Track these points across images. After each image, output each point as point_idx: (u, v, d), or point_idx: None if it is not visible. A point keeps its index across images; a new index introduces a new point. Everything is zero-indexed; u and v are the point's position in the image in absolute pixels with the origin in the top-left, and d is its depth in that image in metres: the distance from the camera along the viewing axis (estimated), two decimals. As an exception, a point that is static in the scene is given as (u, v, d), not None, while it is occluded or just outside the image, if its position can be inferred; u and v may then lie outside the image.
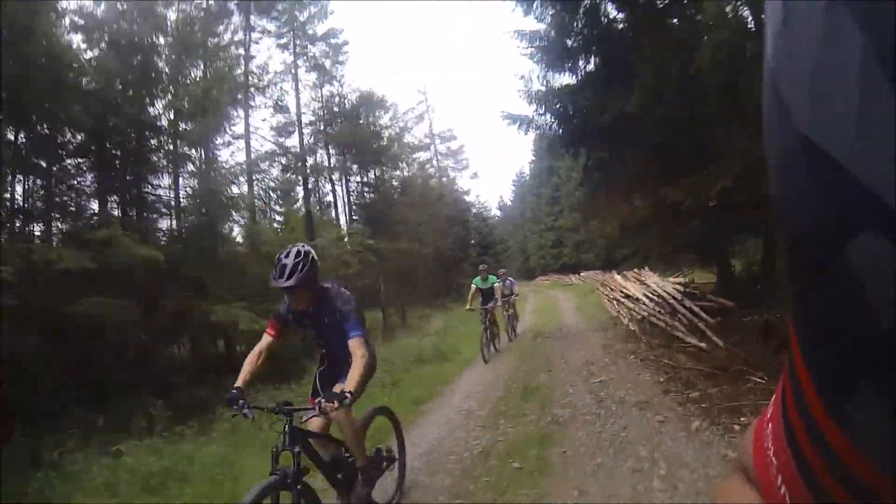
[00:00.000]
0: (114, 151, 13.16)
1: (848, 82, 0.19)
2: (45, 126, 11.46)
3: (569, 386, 6.60)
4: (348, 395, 2.63)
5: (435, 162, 37.78)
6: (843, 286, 0.21)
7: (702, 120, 7.69)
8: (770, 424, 0.32)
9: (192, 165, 15.21)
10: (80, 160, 12.64)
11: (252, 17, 22.49)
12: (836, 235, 0.20)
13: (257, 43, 22.94)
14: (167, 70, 13.77)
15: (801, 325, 0.26)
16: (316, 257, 3.09)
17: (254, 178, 18.80)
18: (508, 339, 11.58)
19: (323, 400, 2.65)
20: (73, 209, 12.59)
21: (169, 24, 14.21)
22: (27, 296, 8.13)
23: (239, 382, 2.91)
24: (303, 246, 3.09)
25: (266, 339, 3.15)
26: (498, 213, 64.06)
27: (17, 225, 11.44)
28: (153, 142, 14.02)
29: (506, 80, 41.65)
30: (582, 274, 32.39)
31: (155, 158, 14.08)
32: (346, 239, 19.19)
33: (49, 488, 5.72)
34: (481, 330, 9.65)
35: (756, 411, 4.39)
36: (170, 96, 13.62)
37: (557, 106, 9.95)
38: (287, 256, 2.97)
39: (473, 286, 10.74)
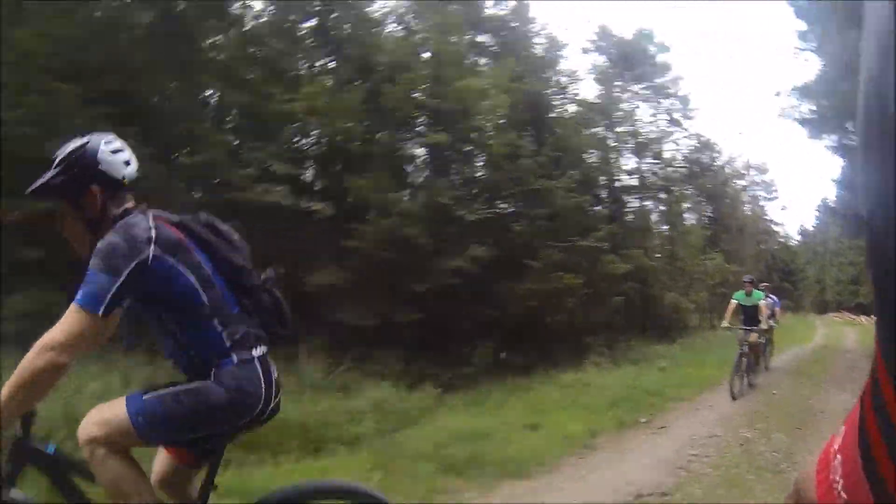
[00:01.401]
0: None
1: None
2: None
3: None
4: None
5: (749, 193, 42.93)
6: None
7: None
8: (839, 455, 0.33)
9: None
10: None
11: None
12: None
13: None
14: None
15: (885, 339, 0.27)
16: (106, 154, 1.59)
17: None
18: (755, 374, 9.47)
19: None
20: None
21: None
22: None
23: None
24: (105, 136, 1.65)
25: None
26: (799, 237, 62.83)
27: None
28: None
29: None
30: (872, 317, 33.66)
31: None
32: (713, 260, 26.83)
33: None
34: (736, 356, 8.35)
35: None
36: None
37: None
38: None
39: (734, 301, 9.25)
